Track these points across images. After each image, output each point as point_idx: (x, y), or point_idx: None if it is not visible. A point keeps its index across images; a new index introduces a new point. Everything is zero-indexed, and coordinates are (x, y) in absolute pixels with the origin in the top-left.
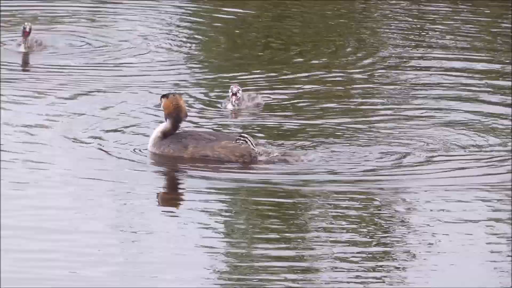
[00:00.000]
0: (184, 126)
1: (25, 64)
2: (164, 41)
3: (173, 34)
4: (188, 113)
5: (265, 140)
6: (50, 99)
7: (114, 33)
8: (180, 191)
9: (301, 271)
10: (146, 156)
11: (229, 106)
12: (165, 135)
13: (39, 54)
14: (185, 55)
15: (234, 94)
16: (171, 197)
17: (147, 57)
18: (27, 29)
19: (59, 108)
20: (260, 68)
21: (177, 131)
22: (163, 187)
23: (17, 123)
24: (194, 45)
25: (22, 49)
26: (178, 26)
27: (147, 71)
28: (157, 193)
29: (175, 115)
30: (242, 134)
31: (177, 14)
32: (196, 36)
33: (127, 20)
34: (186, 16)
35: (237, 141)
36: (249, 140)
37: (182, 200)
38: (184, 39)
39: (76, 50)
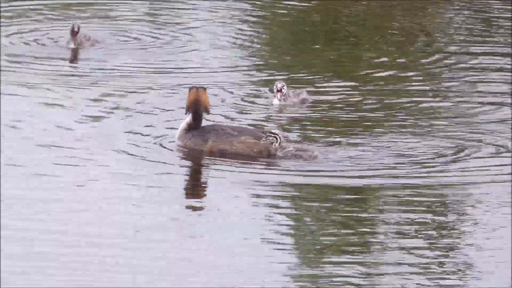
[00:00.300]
0: (223, 120)
1: (75, 60)
2: (222, 37)
3: (231, 29)
4: (242, 110)
5: (299, 136)
6: (100, 96)
7: (170, 29)
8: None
9: (367, 275)
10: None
11: (275, 102)
12: (189, 128)
13: (88, 50)
14: (243, 50)
15: (279, 90)
16: (205, 192)
17: (203, 55)
18: (76, 29)
19: (111, 105)
20: (319, 63)
21: (206, 125)
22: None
23: (68, 121)
24: (252, 39)
25: (72, 45)
26: (236, 21)
27: (203, 69)
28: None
29: (194, 109)
30: (273, 131)
31: (234, 9)
32: (254, 30)
33: (184, 16)
34: (244, 10)
35: (268, 138)
36: (279, 138)
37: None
38: (242, 34)
39: (127, 46)
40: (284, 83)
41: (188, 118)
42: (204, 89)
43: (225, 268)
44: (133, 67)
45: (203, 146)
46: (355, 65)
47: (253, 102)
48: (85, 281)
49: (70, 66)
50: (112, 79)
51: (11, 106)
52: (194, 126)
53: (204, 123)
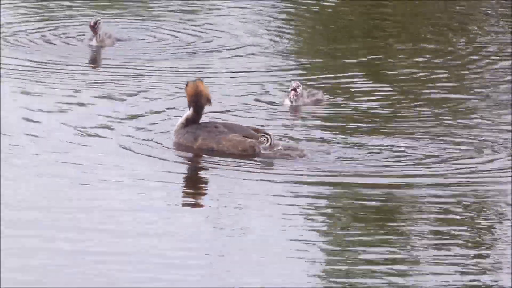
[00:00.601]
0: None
1: (98, 58)
2: (253, 36)
3: (262, 27)
4: (254, 109)
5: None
6: (127, 94)
7: (197, 27)
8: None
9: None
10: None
11: (286, 102)
12: (188, 122)
13: (109, 48)
14: (277, 49)
15: (294, 89)
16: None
17: (236, 52)
18: (92, 23)
19: (143, 106)
20: (352, 64)
21: (203, 122)
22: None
23: (90, 120)
24: (286, 36)
25: (94, 43)
26: (267, 18)
27: (228, 70)
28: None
29: (196, 101)
30: (266, 131)
31: (265, 6)
32: (290, 28)
33: (214, 15)
34: (277, 7)
35: (260, 138)
36: (270, 138)
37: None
38: (275, 31)
39: (150, 45)
40: (299, 83)
41: (189, 111)
42: (201, 80)
43: None
44: (148, 66)
45: (194, 144)
46: (388, 65)
47: (271, 102)
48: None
49: (87, 65)
50: (128, 79)
51: (23, 105)
52: (195, 119)
53: (203, 119)
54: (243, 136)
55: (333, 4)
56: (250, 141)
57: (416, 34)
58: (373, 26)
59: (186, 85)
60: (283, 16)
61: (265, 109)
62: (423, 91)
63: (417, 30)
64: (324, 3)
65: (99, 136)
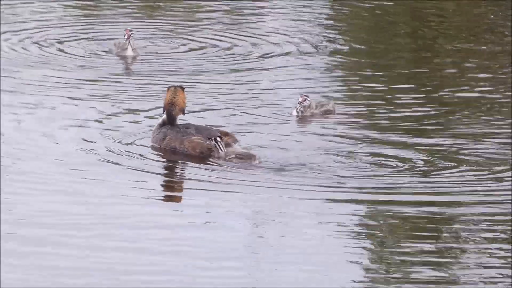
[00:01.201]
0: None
1: (124, 67)
2: (298, 40)
3: (308, 31)
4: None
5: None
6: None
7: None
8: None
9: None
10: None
11: (293, 113)
12: (164, 124)
13: (140, 57)
14: (324, 54)
15: (300, 102)
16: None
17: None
18: (126, 35)
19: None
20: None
21: (180, 123)
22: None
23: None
24: (335, 40)
25: (130, 52)
26: (315, 21)
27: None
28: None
29: (169, 110)
30: (217, 137)
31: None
32: (338, 31)
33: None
34: (323, 12)
35: (210, 141)
36: (219, 144)
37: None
38: (323, 36)
39: (183, 54)
40: (306, 97)
41: (164, 116)
42: (182, 88)
43: None
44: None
45: (161, 143)
46: (435, 75)
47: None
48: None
49: (111, 74)
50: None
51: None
52: (170, 123)
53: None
54: (207, 138)
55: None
56: (208, 143)
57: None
58: (420, 26)
59: (167, 89)
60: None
61: (275, 119)
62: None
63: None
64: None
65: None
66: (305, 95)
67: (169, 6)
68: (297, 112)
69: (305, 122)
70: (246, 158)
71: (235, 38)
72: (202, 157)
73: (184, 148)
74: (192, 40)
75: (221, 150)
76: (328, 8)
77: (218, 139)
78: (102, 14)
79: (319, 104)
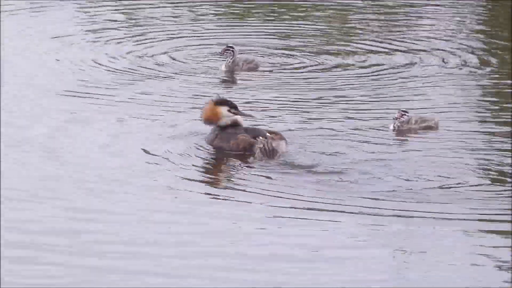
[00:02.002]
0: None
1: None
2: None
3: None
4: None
5: None
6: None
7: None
8: None
9: None
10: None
11: (390, 127)
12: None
13: (238, 74)
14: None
15: (397, 118)
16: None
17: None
18: (221, 50)
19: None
20: None
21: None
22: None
23: None
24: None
25: (223, 68)
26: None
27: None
28: None
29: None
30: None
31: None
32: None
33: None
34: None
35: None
36: (266, 143)
37: None
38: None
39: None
40: (404, 112)
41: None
42: (214, 101)
43: None
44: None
45: (212, 143)
46: None
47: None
48: None
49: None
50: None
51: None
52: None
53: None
54: (252, 137)
55: None
56: (251, 140)
57: None
58: None
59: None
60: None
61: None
62: None
63: None
64: None
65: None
66: (403, 111)
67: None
68: (394, 127)
69: (401, 136)
70: (269, 155)
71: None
72: (247, 154)
73: (229, 146)
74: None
75: (265, 147)
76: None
77: (262, 138)
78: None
79: (421, 120)
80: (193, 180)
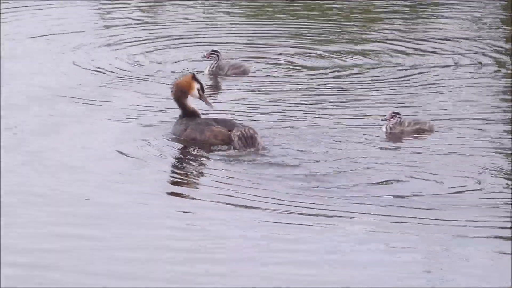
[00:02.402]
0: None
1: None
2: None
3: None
4: None
5: None
6: None
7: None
8: None
9: None
10: None
11: (383, 129)
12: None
13: (224, 79)
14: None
15: (387, 119)
16: None
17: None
18: (206, 53)
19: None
20: None
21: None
22: None
23: None
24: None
25: (206, 72)
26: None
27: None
28: None
29: (174, 93)
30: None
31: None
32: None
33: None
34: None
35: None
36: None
37: None
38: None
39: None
40: (396, 114)
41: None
42: (192, 74)
43: None
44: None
45: (182, 134)
46: None
47: None
48: None
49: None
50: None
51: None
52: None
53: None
54: (227, 130)
55: None
56: (228, 133)
57: None
58: None
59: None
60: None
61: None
62: None
63: None
64: None
65: None
66: (394, 112)
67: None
68: (386, 128)
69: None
70: (248, 143)
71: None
72: (222, 144)
73: (204, 138)
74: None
75: (243, 134)
76: None
77: (240, 131)
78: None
79: (413, 122)
80: (174, 182)
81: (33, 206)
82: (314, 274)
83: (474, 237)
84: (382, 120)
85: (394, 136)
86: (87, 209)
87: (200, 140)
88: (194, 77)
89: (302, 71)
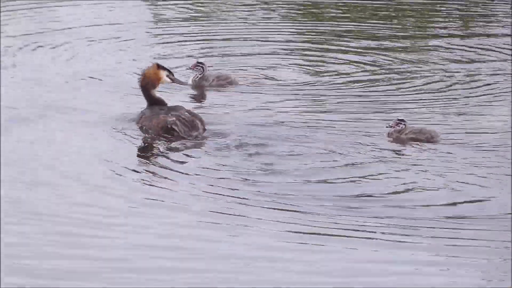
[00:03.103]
0: None
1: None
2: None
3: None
4: None
5: None
6: None
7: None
8: None
9: None
10: None
11: (385, 135)
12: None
13: (207, 90)
14: None
15: (392, 126)
16: None
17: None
18: (191, 65)
19: None
20: None
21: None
22: None
23: None
24: None
25: (189, 82)
26: None
27: None
28: None
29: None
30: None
31: None
32: None
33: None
34: None
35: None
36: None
37: None
38: None
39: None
40: (400, 121)
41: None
42: (158, 64)
43: None
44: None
45: (138, 121)
46: None
47: None
48: None
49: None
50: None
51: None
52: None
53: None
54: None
55: None
56: (168, 120)
57: None
58: None
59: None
60: None
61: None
62: None
63: None
64: None
65: None
66: (399, 119)
67: None
68: (388, 134)
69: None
70: (189, 127)
71: None
72: (164, 133)
73: (151, 125)
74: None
75: (180, 119)
76: None
77: (175, 116)
78: None
79: (414, 130)
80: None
81: None
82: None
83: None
84: (386, 126)
85: (396, 142)
86: None
87: (148, 128)
88: (158, 66)
89: (358, 81)
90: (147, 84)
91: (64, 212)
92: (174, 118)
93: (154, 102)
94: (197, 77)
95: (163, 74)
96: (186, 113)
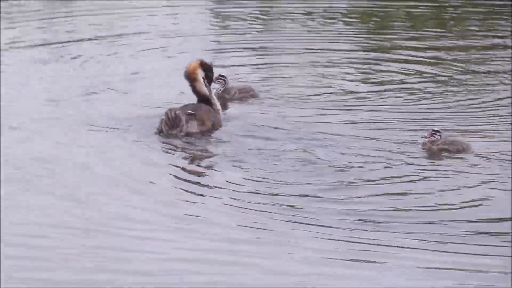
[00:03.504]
0: None
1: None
2: None
3: None
4: None
5: None
6: None
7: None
8: None
9: None
10: None
11: (420, 145)
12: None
13: (228, 104)
14: None
15: (427, 137)
16: None
17: None
18: (214, 78)
19: None
20: None
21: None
22: None
23: None
24: None
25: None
26: None
27: None
28: None
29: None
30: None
31: None
32: None
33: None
34: None
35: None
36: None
37: None
38: None
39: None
40: (434, 132)
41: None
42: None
43: None
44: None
45: None
46: None
47: None
48: None
49: None
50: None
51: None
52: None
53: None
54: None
55: None
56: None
57: None
58: None
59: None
60: None
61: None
62: None
63: None
64: None
65: None
66: (434, 131)
67: None
68: (423, 145)
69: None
70: (172, 124)
71: None
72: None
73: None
74: None
75: (168, 116)
76: None
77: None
78: None
79: (443, 142)
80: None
81: None
82: None
83: None
84: (422, 137)
85: (429, 154)
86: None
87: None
88: (201, 64)
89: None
90: (188, 78)
91: (96, 225)
92: (163, 116)
93: (201, 98)
94: (220, 90)
95: (200, 74)
96: (175, 111)
